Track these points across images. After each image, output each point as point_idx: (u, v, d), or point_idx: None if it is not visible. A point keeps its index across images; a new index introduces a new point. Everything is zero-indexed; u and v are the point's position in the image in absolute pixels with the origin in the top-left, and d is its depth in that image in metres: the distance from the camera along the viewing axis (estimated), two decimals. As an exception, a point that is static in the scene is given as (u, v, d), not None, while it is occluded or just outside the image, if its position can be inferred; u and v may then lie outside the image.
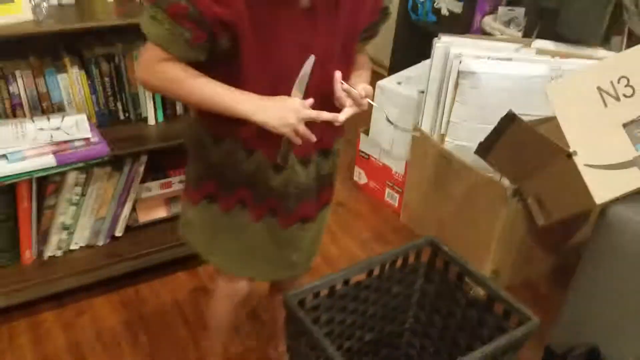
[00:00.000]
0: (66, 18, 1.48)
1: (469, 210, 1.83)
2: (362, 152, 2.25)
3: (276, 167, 1.09)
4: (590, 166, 1.30)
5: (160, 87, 1.06)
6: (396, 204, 2.19)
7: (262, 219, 1.17)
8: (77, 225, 1.73)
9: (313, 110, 1.00)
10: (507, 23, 2.28)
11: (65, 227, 1.71)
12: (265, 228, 1.18)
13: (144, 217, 1.88)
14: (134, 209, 1.84)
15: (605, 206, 1.31)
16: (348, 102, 1.03)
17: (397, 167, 2.13)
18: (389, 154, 2.14)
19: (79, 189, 1.68)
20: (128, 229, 1.84)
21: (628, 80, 1.34)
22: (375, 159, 2.20)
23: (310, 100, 1.00)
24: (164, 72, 1.00)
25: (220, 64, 1.01)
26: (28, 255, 1.69)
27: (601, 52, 1.83)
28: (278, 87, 1.01)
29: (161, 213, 1.90)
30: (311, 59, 0.98)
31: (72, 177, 1.65)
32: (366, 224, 2.15)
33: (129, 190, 1.77)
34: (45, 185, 1.64)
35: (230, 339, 1.61)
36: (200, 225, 1.23)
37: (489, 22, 2.31)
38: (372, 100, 1.08)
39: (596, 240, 1.33)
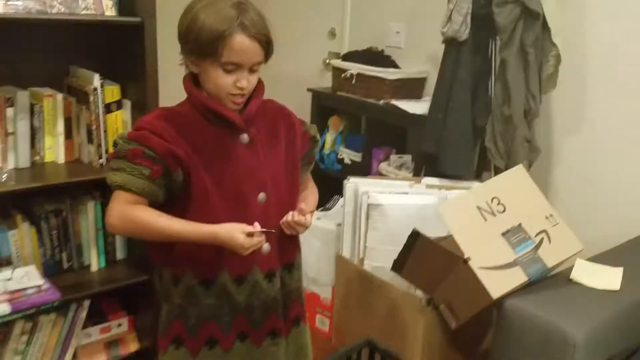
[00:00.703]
0: (23, 179, 1.65)
1: (392, 323, 2.05)
2: (289, 284, 2.46)
3: (239, 280, 1.23)
4: (483, 268, 1.61)
5: (129, 229, 1.21)
6: (327, 329, 2.37)
7: (232, 347, 1.26)
8: (20, 377, 1.74)
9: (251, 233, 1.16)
10: (399, 167, 2.73)
11: (7, 380, 1.71)
12: (238, 355, 1.26)
13: (85, 364, 1.90)
14: (74, 356, 1.87)
15: (501, 301, 1.60)
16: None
17: (325, 293, 2.35)
18: (315, 281, 2.37)
19: (25, 338, 1.73)
20: (68, 378, 1.85)
21: (499, 199, 1.73)
22: (304, 287, 2.41)
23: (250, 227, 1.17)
24: (130, 216, 1.16)
25: (179, 201, 1.18)
26: (-32, 413, 1.65)
27: (475, 184, 2.26)
28: (234, 210, 1.20)
29: (101, 358, 1.94)
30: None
31: (19, 326, 1.70)
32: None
33: (71, 336, 1.82)
34: (-11, 336, 1.68)
35: None
36: None
37: (384, 167, 2.75)
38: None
39: (498, 330, 1.60)
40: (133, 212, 1.16)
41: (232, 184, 1.21)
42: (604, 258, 1.79)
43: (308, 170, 1.42)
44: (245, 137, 1.22)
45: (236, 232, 1.15)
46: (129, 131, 1.21)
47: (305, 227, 1.26)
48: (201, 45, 1.12)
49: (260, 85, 1.24)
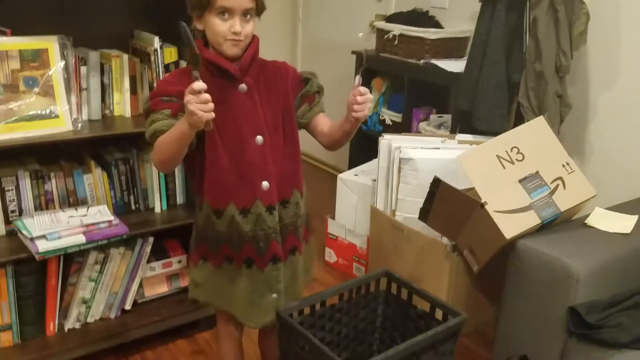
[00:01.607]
0: (95, 129, 1.93)
1: (420, 268, 2.22)
2: (331, 234, 2.67)
3: (244, 212, 1.44)
4: (498, 212, 1.74)
5: (159, 159, 1.40)
6: (363, 275, 2.57)
7: (241, 269, 1.49)
8: (94, 300, 2.04)
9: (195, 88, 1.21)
10: (438, 126, 2.85)
11: (84, 301, 2.02)
12: (246, 276, 1.49)
13: (149, 292, 2.20)
14: (140, 286, 2.17)
15: (514, 241, 1.73)
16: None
17: (361, 243, 2.54)
18: (353, 233, 2.57)
19: (97, 267, 2.02)
20: (135, 303, 2.15)
21: (518, 149, 1.84)
22: (342, 238, 2.62)
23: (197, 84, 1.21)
24: (156, 146, 1.37)
25: (197, 143, 1.39)
26: (51, 327, 1.97)
27: (509, 139, 2.36)
28: (234, 150, 1.41)
29: (163, 289, 2.23)
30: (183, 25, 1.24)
31: (92, 256, 2.00)
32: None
33: (138, 268, 2.11)
34: (69, 264, 1.98)
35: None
36: (200, 281, 1.55)
37: (424, 126, 2.88)
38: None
39: (511, 268, 1.74)
40: (157, 141, 1.37)
41: (232, 128, 1.41)
42: (624, 207, 1.88)
43: (313, 110, 1.52)
44: (243, 86, 1.42)
45: (186, 97, 1.23)
46: (151, 91, 1.44)
47: (367, 98, 1.37)
48: None
49: (254, 39, 1.43)
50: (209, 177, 1.44)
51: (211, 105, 1.22)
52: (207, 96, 1.21)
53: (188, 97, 1.21)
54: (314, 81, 1.53)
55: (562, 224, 1.79)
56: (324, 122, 1.53)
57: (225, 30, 1.36)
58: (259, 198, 1.44)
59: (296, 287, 1.58)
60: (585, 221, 1.78)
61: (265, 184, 1.44)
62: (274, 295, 1.51)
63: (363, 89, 1.35)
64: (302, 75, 1.53)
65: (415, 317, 1.57)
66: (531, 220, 1.73)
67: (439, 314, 1.52)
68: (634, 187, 2.14)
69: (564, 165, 1.82)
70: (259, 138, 1.43)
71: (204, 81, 1.26)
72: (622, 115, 2.30)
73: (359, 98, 1.34)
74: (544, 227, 1.76)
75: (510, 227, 1.72)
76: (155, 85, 1.96)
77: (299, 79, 1.52)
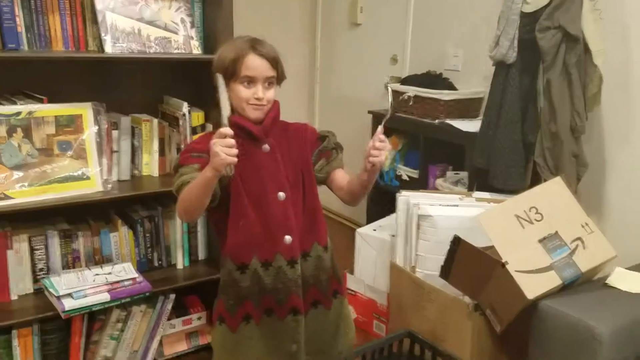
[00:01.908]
0: (124, 189, 1.99)
1: (442, 327, 2.21)
2: (350, 289, 2.67)
3: (265, 265, 1.49)
4: (520, 272, 1.76)
5: (183, 210, 1.44)
6: (384, 334, 2.55)
7: (261, 321, 1.52)
8: (115, 358, 2.06)
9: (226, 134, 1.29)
10: (455, 183, 2.89)
11: None
12: (266, 327, 1.52)
13: (169, 350, 2.20)
14: (160, 343, 2.17)
15: (536, 302, 1.73)
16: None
17: (381, 300, 2.54)
18: (372, 288, 2.57)
19: (120, 325, 2.04)
20: (155, 361, 2.16)
21: (537, 209, 1.87)
22: (361, 294, 2.62)
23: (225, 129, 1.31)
24: (180, 199, 1.43)
25: (223, 199, 1.45)
26: (74, 385, 1.99)
27: (526, 198, 2.39)
28: (258, 205, 1.48)
29: (182, 347, 2.23)
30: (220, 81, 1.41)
31: (115, 314, 2.02)
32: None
33: (158, 326, 2.13)
34: (92, 322, 2.01)
35: None
36: (217, 346, 1.59)
37: (440, 182, 2.92)
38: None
39: (534, 329, 1.74)
40: (182, 193, 1.43)
41: (257, 184, 1.50)
42: (645, 267, 1.88)
43: (331, 165, 1.58)
44: (266, 146, 1.51)
45: (213, 140, 1.31)
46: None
47: (385, 146, 1.41)
48: (226, 68, 1.45)
49: (275, 103, 1.54)
50: (234, 232, 1.50)
51: (235, 151, 1.28)
52: (232, 141, 1.29)
53: (214, 140, 1.30)
54: (331, 138, 1.61)
55: (583, 284, 1.80)
56: (342, 177, 1.59)
57: (249, 96, 1.46)
58: (280, 252, 1.49)
59: (325, 344, 1.59)
60: (606, 281, 1.78)
61: (287, 237, 1.50)
62: (294, 345, 1.53)
63: (382, 136, 1.40)
64: (320, 132, 1.62)
65: (439, 380, 1.56)
66: (553, 280, 1.74)
67: (463, 377, 1.51)
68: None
69: (583, 226, 1.84)
70: (281, 194, 1.50)
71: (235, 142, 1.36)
72: (639, 171, 2.33)
73: (377, 144, 1.39)
74: (565, 288, 1.76)
75: (532, 287, 1.73)
76: (183, 145, 2.04)
77: (316, 136, 1.60)
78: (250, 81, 1.46)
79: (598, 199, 2.45)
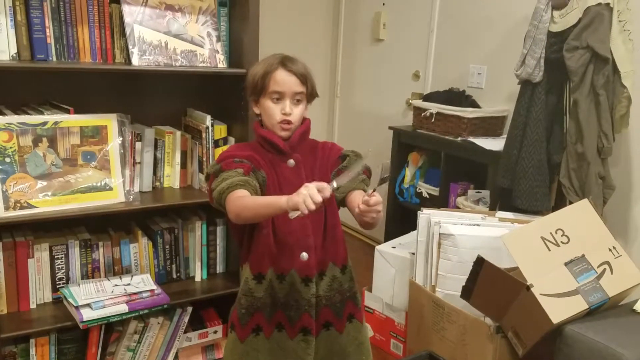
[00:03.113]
0: (146, 200, 2.00)
1: (462, 349, 2.17)
2: (367, 307, 2.64)
3: (280, 277, 1.49)
4: (545, 295, 1.72)
5: (239, 211, 1.39)
6: (401, 354, 2.51)
7: (272, 335, 1.52)
8: (131, 370, 2.05)
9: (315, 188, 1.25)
10: (477, 202, 2.85)
11: (122, 371, 2.03)
12: (275, 342, 1.52)
13: (185, 364, 2.19)
14: (176, 356, 2.16)
15: (561, 327, 1.69)
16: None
17: (399, 319, 2.50)
18: (390, 307, 2.53)
19: (136, 337, 2.03)
20: (171, 375, 2.14)
21: (563, 231, 1.83)
22: (379, 312, 2.59)
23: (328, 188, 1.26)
24: (240, 201, 1.39)
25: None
26: (89, 397, 1.98)
27: (550, 219, 2.34)
28: (281, 217, 1.45)
29: (199, 361, 2.22)
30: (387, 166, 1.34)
31: (132, 325, 2.02)
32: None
33: (175, 338, 2.11)
34: (109, 333, 2.00)
35: None
36: (226, 350, 1.61)
37: (461, 201, 2.88)
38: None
39: (559, 354, 1.69)
40: (241, 199, 1.40)
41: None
42: (674, 294, 1.83)
43: (352, 185, 1.52)
44: (291, 161, 1.52)
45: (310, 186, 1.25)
46: (216, 159, 1.54)
47: (378, 205, 1.33)
48: (255, 84, 1.48)
49: (306, 121, 1.55)
50: (254, 242, 1.52)
51: (313, 207, 1.22)
52: (320, 198, 1.22)
53: (310, 186, 1.24)
54: (352, 158, 1.57)
55: (609, 309, 1.75)
56: (360, 199, 1.56)
57: (277, 112, 1.48)
58: (296, 268, 1.49)
59: None
60: (634, 307, 1.73)
61: (304, 255, 1.49)
62: None
63: (375, 198, 1.31)
64: (343, 152, 1.60)
65: (461, 404, 1.52)
66: (578, 305, 1.70)
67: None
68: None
69: (610, 250, 1.79)
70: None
71: (258, 155, 1.43)
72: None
73: (373, 200, 1.30)
74: (591, 312, 1.72)
75: (557, 311, 1.69)
76: (205, 158, 2.04)
77: (338, 154, 1.59)
78: (279, 97, 1.48)
79: (624, 223, 2.40)
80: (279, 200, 1.30)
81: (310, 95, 1.52)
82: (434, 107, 2.92)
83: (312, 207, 1.22)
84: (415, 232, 2.44)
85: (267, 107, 1.49)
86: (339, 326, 1.57)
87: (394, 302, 2.54)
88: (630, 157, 2.40)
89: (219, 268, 2.25)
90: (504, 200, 2.52)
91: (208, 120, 2.03)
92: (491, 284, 1.91)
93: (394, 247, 2.57)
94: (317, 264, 1.51)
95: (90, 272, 2.02)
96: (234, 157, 1.49)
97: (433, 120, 2.92)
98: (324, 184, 1.25)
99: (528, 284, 1.74)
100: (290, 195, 1.27)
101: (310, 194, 1.22)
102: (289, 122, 1.48)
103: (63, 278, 1.97)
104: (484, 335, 2.08)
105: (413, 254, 2.43)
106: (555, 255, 1.79)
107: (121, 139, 1.93)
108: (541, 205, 2.41)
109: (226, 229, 2.21)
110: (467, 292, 2.02)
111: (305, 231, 1.49)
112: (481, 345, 2.10)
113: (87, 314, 1.83)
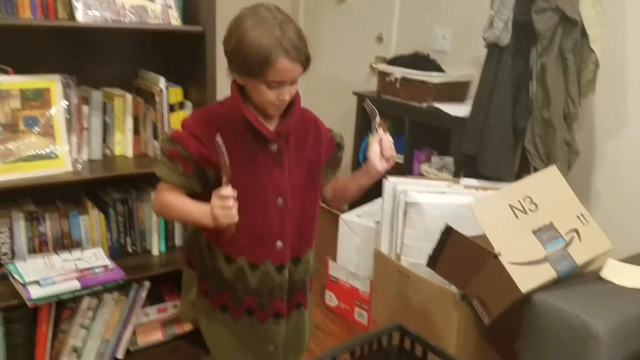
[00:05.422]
0: (96, 170, 1.86)
1: (428, 317, 2.15)
2: (332, 276, 2.59)
3: (252, 266, 1.40)
4: (513, 263, 1.69)
5: (161, 212, 1.42)
6: (365, 322, 2.49)
7: (240, 318, 1.45)
8: (85, 348, 1.94)
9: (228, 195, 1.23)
10: (440, 169, 2.82)
11: (75, 350, 1.92)
12: (244, 325, 1.46)
13: (143, 340, 2.09)
14: (133, 333, 2.06)
15: (529, 295, 1.68)
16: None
17: (363, 287, 2.47)
18: (355, 276, 2.50)
19: (90, 314, 1.92)
20: (128, 351, 2.05)
21: (531, 198, 1.80)
22: (344, 281, 2.55)
23: (225, 190, 1.23)
24: (161, 199, 1.37)
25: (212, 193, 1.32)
26: (40, 377, 1.87)
27: (514, 185, 2.33)
28: (253, 210, 1.35)
29: (158, 336, 2.12)
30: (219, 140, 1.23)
31: (86, 302, 1.90)
32: (340, 343, 2.41)
33: (132, 314, 2.01)
34: (61, 310, 1.89)
35: None
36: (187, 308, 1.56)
37: (425, 168, 2.85)
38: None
39: (527, 324, 1.68)
40: (165, 197, 1.37)
41: (256, 186, 1.36)
42: (636, 259, 1.84)
43: (335, 173, 1.53)
44: (274, 147, 1.36)
45: (213, 199, 1.25)
46: (173, 131, 1.39)
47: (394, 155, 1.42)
48: (248, 66, 1.25)
49: (297, 97, 1.38)
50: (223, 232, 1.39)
51: (234, 212, 1.23)
52: (231, 202, 1.23)
53: (214, 201, 1.24)
54: (343, 148, 1.52)
55: (576, 277, 1.75)
56: (335, 180, 1.52)
57: (273, 98, 1.31)
58: (270, 258, 1.41)
59: (300, 341, 1.54)
60: (600, 274, 1.73)
61: (279, 243, 1.41)
62: (271, 347, 1.48)
63: (388, 140, 1.33)
64: (335, 139, 1.51)
65: (430, 376, 1.50)
66: (547, 273, 1.68)
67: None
68: (644, 237, 2.12)
69: (578, 217, 1.78)
70: (280, 201, 1.39)
71: (234, 133, 1.28)
72: (630, 162, 2.29)
73: (387, 152, 1.35)
74: (559, 281, 1.71)
75: (525, 280, 1.67)
76: (159, 124, 1.91)
77: (333, 143, 1.50)
78: (278, 85, 1.29)
79: (586, 188, 2.41)
80: (201, 216, 1.29)
81: (306, 69, 1.33)
82: (399, 72, 2.84)
83: (233, 215, 1.24)
84: (379, 200, 2.39)
85: (260, 91, 1.30)
86: (306, 303, 1.54)
87: (358, 271, 2.50)
88: (592, 122, 2.40)
89: (178, 241, 2.14)
90: (468, 166, 2.49)
91: (162, 82, 1.89)
92: (458, 253, 1.88)
93: (358, 216, 2.52)
94: (291, 250, 1.43)
95: (37, 247, 1.88)
96: (184, 145, 1.32)
97: (398, 85, 2.84)
98: (221, 192, 1.24)
99: (496, 252, 1.71)
100: (210, 212, 1.26)
101: (221, 212, 1.23)
102: (283, 105, 1.34)
103: (8, 253, 1.83)
104: (449, 304, 2.07)
105: (378, 222, 2.38)
106: (523, 223, 1.76)
107: (66, 102, 1.77)
108: (505, 172, 2.39)
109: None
110: (433, 261, 1.98)
111: (282, 220, 1.39)
112: (446, 314, 2.08)
113: (36, 292, 1.70)
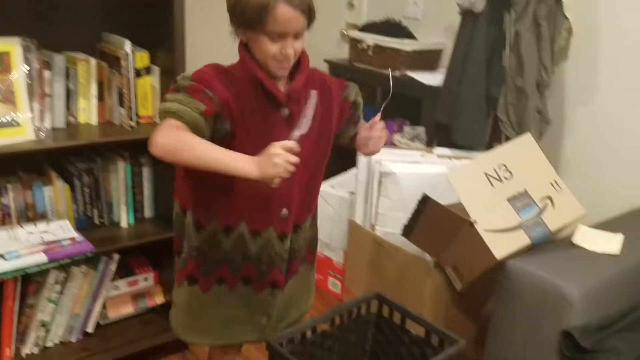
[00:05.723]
0: (59, 138, 1.77)
1: (401, 285, 2.16)
2: (305, 247, 2.58)
3: (254, 233, 1.36)
4: (488, 231, 1.71)
5: (172, 147, 1.18)
6: (339, 291, 2.49)
7: (235, 287, 1.41)
8: (54, 323, 1.88)
9: (291, 148, 1.17)
10: (412, 138, 2.81)
11: (43, 324, 1.86)
12: (239, 295, 1.42)
13: (113, 313, 2.05)
14: (103, 307, 2.01)
15: (503, 262, 1.70)
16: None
17: (337, 257, 2.47)
18: (328, 246, 2.49)
19: (58, 287, 1.86)
20: (98, 325, 2.00)
21: (506, 166, 1.81)
22: (318, 252, 2.54)
23: (290, 143, 1.17)
24: (177, 135, 1.18)
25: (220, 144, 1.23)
26: (8, 353, 1.80)
27: (486, 154, 2.34)
28: None
29: (128, 310, 2.08)
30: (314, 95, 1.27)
31: (53, 276, 1.84)
32: (313, 311, 2.41)
33: (101, 288, 1.96)
34: (27, 285, 1.82)
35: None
36: (181, 305, 1.48)
37: (398, 138, 2.83)
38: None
39: (501, 289, 1.70)
40: (180, 133, 1.19)
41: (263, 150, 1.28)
42: (606, 225, 1.87)
43: (356, 128, 1.50)
44: (285, 111, 1.31)
45: (273, 147, 1.16)
46: (194, 72, 1.27)
47: (384, 136, 1.41)
48: (247, 17, 1.21)
49: (304, 56, 1.33)
50: (225, 193, 1.33)
51: (292, 168, 1.16)
52: (296, 158, 1.16)
53: (276, 150, 1.14)
54: (360, 102, 1.48)
55: (549, 243, 1.77)
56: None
57: (276, 51, 1.24)
58: (273, 225, 1.37)
59: (287, 310, 1.51)
60: (572, 240, 1.76)
61: (284, 211, 1.37)
62: (264, 318, 1.46)
63: (382, 124, 1.33)
64: (349, 98, 1.45)
65: (409, 343, 1.50)
66: (521, 240, 1.70)
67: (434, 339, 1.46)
68: (613, 203, 2.16)
69: (552, 184, 1.80)
70: None
71: (247, 95, 1.23)
72: (599, 130, 2.33)
73: (377, 133, 1.34)
74: (532, 247, 1.73)
75: (500, 247, 1.68)
76: (125, 90, 1.82)
77: (347, 104, 1.45)
78: (279, 36, 1.23)
79: (556, 157, 2.44)
80: (235, 162, 1.16)
81: (310, 22, 1.28)
82: (371, 39, 2.79)
83: (292, 169, 1.16)
84: (352, 170, 2.37)
85: (262, 43, 1.23)
86: (298, 271, 1.50)
87: (332, 241, 2.49)
88: (563, 90, 2.42)
89: (148, 212, 2.08)
90: (441, 135, 2.49)
91: (127, 45, 1.80)
92: (434, 222, 1.88)
93: (332, 187, 2.50)
94: (295, 218, 1.39)
95: (0, 219, 1.80)
96: (210, 87, 1.23)
97: (370, 53, 2.80)
98: (288, 143, 1.17)
99: (471, 220, 1.72)
100: (255, 159, 1.16)
101: (285, 164, 1.14)
102: (288, 61, 1.27)
103: (-33, 226, 1.74)
104: (423, 271, 2.08)
105: (352, 193, 2.37)
106: (498, 191, 1.77)
107: (27, 67, 1.67)
108: (478, 141, 2.40)
109: (153, 169, 2.03)
110: (409, 230, 1.99)
111: (290, 187, 1.33)
112: (419, 281, 2.10)
113: (1, 266, 1.63)
